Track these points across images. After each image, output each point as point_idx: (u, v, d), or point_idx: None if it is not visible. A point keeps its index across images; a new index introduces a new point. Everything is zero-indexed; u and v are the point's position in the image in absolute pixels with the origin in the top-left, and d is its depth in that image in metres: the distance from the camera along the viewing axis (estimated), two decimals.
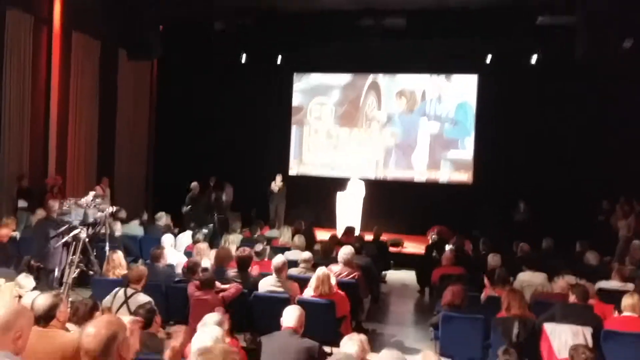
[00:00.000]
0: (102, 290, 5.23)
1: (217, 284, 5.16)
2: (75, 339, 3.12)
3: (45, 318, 3.20)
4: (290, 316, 3.81)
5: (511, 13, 10.53)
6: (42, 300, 3.27)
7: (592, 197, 10.76)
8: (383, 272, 8.61)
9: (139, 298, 4.60)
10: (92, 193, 6.44)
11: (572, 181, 11.15)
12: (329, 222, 11.44)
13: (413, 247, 10.68)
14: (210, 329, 3.37)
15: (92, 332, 2.37)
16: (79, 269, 5.87)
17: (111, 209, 6.67)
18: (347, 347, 3.36)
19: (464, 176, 12.64)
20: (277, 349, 3.75)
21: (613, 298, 5.06)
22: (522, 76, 11.69)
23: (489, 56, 11.91)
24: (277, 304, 4.64)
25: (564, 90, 11.40)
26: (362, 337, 3.44)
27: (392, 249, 9.83)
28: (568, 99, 11.42)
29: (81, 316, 3.71)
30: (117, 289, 4.82)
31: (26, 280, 5.01)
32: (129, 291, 4.73)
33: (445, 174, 12.77)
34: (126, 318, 3.50)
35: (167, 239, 7.00)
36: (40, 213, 7.28)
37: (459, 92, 12.75)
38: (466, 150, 12.65)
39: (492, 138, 12.13)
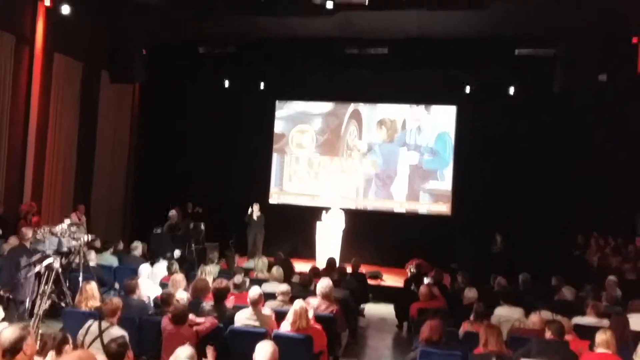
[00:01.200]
0: (74, 323, 5.10)
1: (192, 317, 5.07)
2: None
3: (11, 351, 3.14)
4: (263, 354, 3.71)
5: (490, 44, 10.81)
6: (9, 333, 3.20)
7: (568, 231, 10.92)
8: (361, 306, 8.54)
9: (113, 332, 4.49)
10: (67, 221, 6.31)
11: (549, 214, 11.30)
12: (309, 252, 11.39)
13: (392, 280, 10.64)
14: None
15: None
16: (50, 300, 5.71)
17: (86, 238, 6.53)
18: None
19: (443, 207, 12.74)
20: None
21: (589, 334, 5.08)
22: (500, 107, 11.90)
23: (468, 87, 12.13)
24: (253, 338, 4.55)
25: (542, 121, 11.65)
26: None
27: (371, 282, 9.78)
28: (545, 131, 11.64)
29: (49, 350, 3.62)
30: (90, 321, 4.72)
31: None
32: (104, 324, 4.62)
33: (425, 205, 12.86)
34: (100, 358, 3.43)
35: (144, 270, 6.88)
36: (13, 241, 7.09)
37: (438, 122, 12.93)
38: (445, 182, 12.77)
39: (471, 169, 12.27)
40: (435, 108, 12.97)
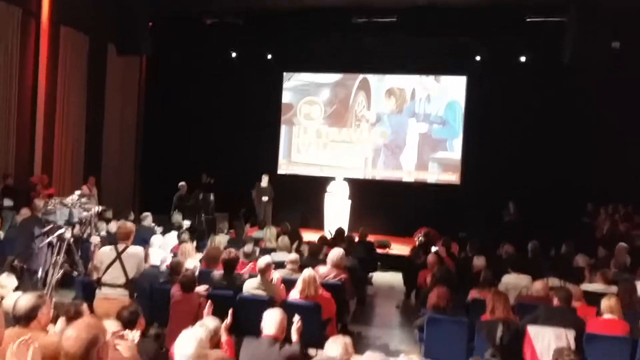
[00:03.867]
0: (86, 292, 5.22)
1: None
2: (55, 341, 3.10)
3: (25, 318, 3.19)
4: (270, 322, 3.72)
5: (500, 13, 10.61)
6: (25, 300, 3.25)
7: (579, 198, 10.85)
8: (370, 274, 8.62)
9: (131, 251, 4.86)
10: (77, 192, 6.37)
11: (560, 182, 11.21)
12: (317, 222, 11.45)
13: (400, 248, 10.68)
14: (194, 331, 3.37)
15: (73, 335, 2.37)
16: (62, 270, 5.82)
17: (97, 209, 6.60)
18: (330, 350, 3.36)
19: (452, 177, 12.69)
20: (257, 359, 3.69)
21: (597, 300, 5.09)
22: (511, 76, 11.71)
23: (478, 56, 11.95)
24: (261, 306, 4.62)
25: (553, 90, 11.46)
26: (347, 339, 3.43)
27: (379, 250, 9.83)
28: (557, 100, 11.47)
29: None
30: (106, 247, 5.04)
31: (8, 280, 4.96)
32: (120, 246, 4.89)
33: (434, 175, 12.81)
34: (111, 324, 3.49)
35: (155, 240, 6.96)
36: (25, 212, 7.20)
37: (448, 91, 12.78)
38: (454, 151, 12.69)
39: (481, 139, 12.15)
40: (445, 78, 12.81)
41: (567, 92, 11.32)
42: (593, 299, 5.39)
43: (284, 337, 3.76)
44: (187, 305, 4.88)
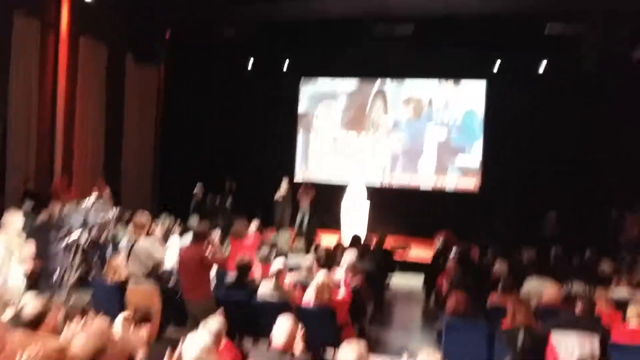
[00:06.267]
0: (102, 294, 5.22)
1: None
2: (61, 345, 3.08)
3: (33, 324, 3.26)
4: (280, 333, 3.50)
5: (519, 21, 10.50)
6: (32, 306, 3.33)
7: (601, 205, 10.61)
8: (387, 278, 8.49)
9: (141, 244, 5.14)
10: (93, 196, 6.42)
11: (581, 189, 11.02)
12: (335, 227, 11.37)
13: (419, 252, 10.52)
14: (200, 337, 3.30)
15: (83, 340, 2.37)
16: (79, 272, 5.86)
17: (113, 212, 6.64)
18: (344, 354, 3.25)
19: (471, 183, 12.52)
20: None
21: (622, 306, 4.93)
22: (530, 84, 11.60)
23: (497, 64, 11.84)
24: (275, 310, 4.54)
25: (572, 98, 11.30)
26: (361, 343, 3.33)
27: (397, 253, 9.66)
28: (576, 108, 11.30)
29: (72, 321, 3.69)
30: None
31: (14, 217, 5.35)
32: (133, 239, 5.37)
33: (452, 181, 12.66)
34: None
35: (173, 242, 6.96)
36: (43, 216, 7.27)
37: (466, 99, 12.65)
38: (473, 157, 12.53)
39: (500, 145, 12.03)
40: (463, 84, 12.67)
41: (586, 99, 11.14)
42: (619, 304, 5.22)
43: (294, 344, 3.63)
44: (192, 252, 5.14)
